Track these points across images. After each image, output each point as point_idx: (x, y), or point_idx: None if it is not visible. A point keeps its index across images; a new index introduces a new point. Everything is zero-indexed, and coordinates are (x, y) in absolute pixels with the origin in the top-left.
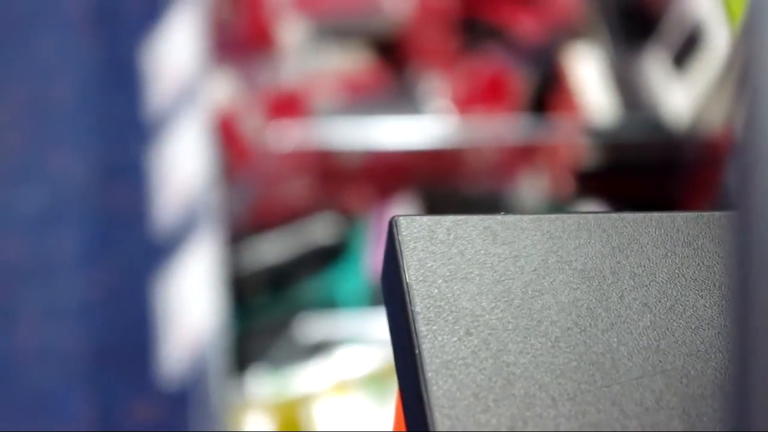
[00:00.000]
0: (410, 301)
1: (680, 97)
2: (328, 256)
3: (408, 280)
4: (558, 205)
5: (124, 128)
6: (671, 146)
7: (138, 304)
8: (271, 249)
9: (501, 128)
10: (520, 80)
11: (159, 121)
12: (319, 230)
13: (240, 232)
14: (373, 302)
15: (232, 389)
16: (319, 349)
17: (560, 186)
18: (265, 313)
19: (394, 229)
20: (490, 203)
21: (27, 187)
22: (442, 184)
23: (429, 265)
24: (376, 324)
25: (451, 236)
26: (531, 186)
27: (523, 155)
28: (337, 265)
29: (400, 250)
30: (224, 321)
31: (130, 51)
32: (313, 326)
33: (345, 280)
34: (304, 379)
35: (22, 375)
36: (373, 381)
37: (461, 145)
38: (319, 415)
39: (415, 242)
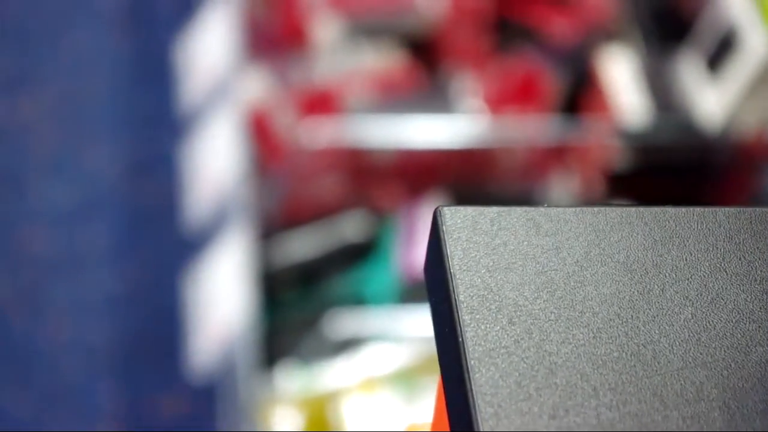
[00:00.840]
0: (454, 291)
1: (713, 99)
2: (358, 253)
3: (452, 270)
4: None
5: (157, 124)
6: (703, 149)
7: (168, 298)
8: (302, 245)
9: (533, 129)
10: (553, 81)
11: (192, 117)
12: (350, 227)
13: (271, 228)
14: (402, 299)
15: (260, 384)
16: (347, 345)
17: (591, 187)
18: (295, 309)
19: (439, 220)
20: (520, 203)
21: (59, 181)
22: (472, 183)
23: (473, 255)
24: (405, 321)
25: (495, 227)
26: (562, 187)
27: (555, 156)
28: (367, 263)
29: (445, 240)
30: (254, 316)
31: (164, 47)
32: (342, 323)
33: (374, 278)
34: (333, 375)
35: (50, 367)
36: (400, 378)
37: (493, 145)
38: (346, 411)
39: (459, 232)
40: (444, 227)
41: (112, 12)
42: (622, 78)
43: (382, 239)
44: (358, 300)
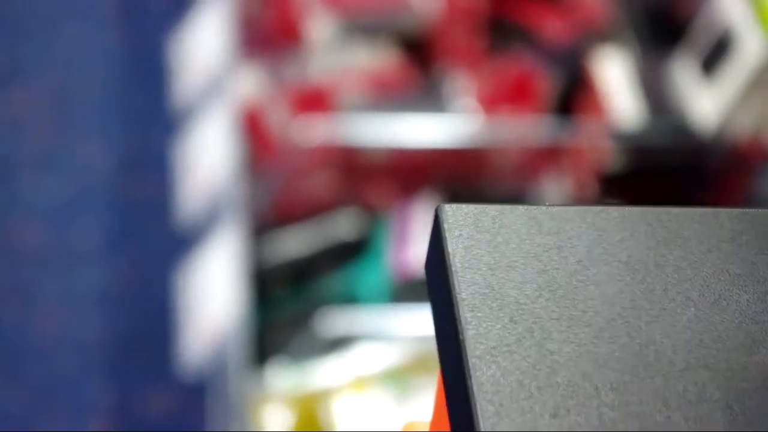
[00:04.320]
0: (455, 288)
1: (708, 102)
2: (350, 252)
3: (453, 268)
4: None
5: (150, 120)
6: (697, 151)
7: (159, 294)
8: (294, 243)
9: (526, 129)
10: (547, 81)
11: (185, 113)
12: (342, 225)
13: (263, 225)
14: (394, 298)
15: (251, 382)
16: (339, 343)
17: (584, 188)
18: (286, 307)
19: (440, 217)
20: (513, 203)
21: (52, 176)
22: (465, 183)
23: (474, 252)
24: (397, 320)
25: (496, 225)
26: (555, 187)
27: (548, 157)
28: (359, 261)
29: (446, 238)
30: (245, 313)
31: (158, 43)
32: (333, 321)
33: (366, 276)
34: (324, 373)
35: (40, 361)
36: (391, 377)
37: (486, 145)
38: (337, 410)
39: (460, 230)
40: (445, 225)
41: (105, 6)
42: (616, 79)
43: (374, 238)
44: (349, 298)
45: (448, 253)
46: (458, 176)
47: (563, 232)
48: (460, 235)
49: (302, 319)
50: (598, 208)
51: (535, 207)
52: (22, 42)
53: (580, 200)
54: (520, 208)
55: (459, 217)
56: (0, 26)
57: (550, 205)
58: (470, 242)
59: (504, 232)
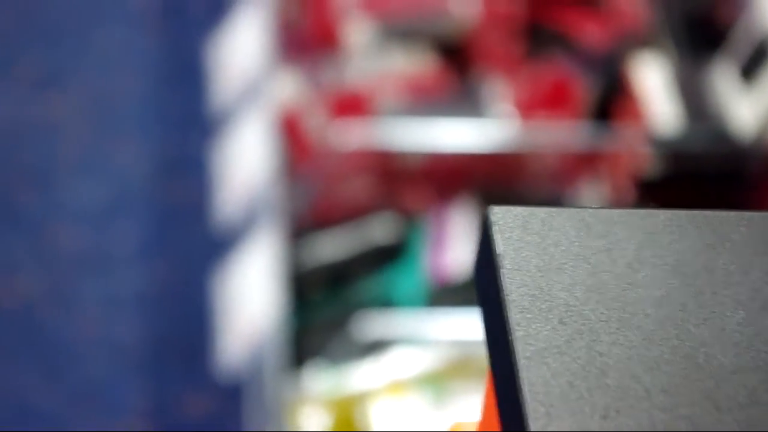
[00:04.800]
0: (505, 290)
1: (746, 107)
2: (387, 256)
3: (503, 269)
4: None
5: (187, 123)
6: (735, 157)
7: (197, 297)
8: (331, 246)
9: (563, 134)
10: (584, 87)
11: (223, 116)
12: (379, 229)
13: (300, 229)
14: (431, 302)
15: (288, 385)
16: (375, 347)
17: (621, 194)
18: (323, 310)
19: (490, 219)
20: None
21: (90, 179)
22: (502, 187)
23: (524, 254)
24: (433, 324)
25: (546, 227)
26: (592, 193)
27: (585, 162)
28: (396, 265)
29: (496, 240)
30: (282, 316)
31: (196, 46)
32: (370, 324)
33: (403, 280)
34: (361, 376)
35: (79, 363)
36: (428, 381)
37: (522, 150)
38: (374, 413)
39: (510, 232)
40: (495, 226)
41: (144, 10)
42: (654, 84)
43: (411, 241)
44: (386, 302)
45: (497, 255)
46: (495, 181)
47: (612, 234)
48: (510, 237)
49: (339, 323)
50: (647, 211)
51: (583, 209)
52: (61, 45)
53: (618, 206)
54: (569, 211)
55: (508, 219)
56: (38, 30)
57: (598, 208)
58: (520, 244)
59: (553, 235)
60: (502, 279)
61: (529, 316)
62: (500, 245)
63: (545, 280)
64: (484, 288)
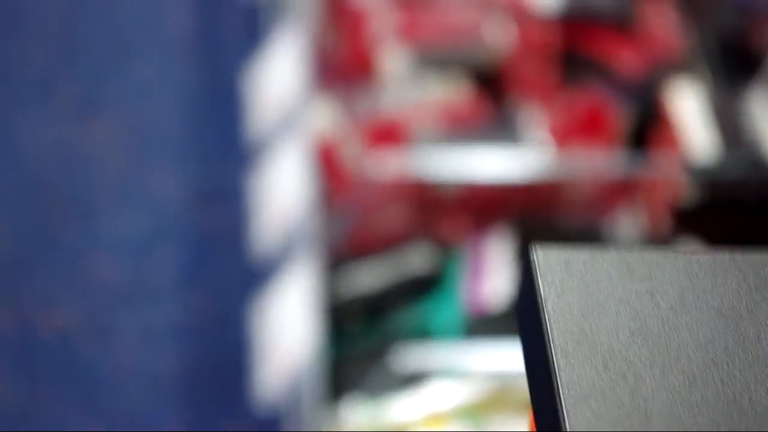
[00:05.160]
0: (548, 333)
1: None
2: (424, 286)
3: (546, 313)
4: (655, 242)
5: (224, 152)
6: None
7: (234, 328)
8: (368, 277)
9: (599, 162)
10: (620, 114)
11: (259, 145)
12: (416, 260)
13: (337, 259)
14: (468, 333)
15: (325, 416)
16: (413, 379)
17: (658, 223)
18: (361, 341)
19: (533, 260)
20: (586, 238)
21: (126, 209)
22: (538, 216)
23: (566, 298)
24: (471, 355)
25: (588, 270)
26: (628, 222)
27: (621, 190)
28: (433, 295)
29: (538, 282)
30: (320, 348)
31: (231, 75)
32: (407, 356)
33: (440, 311)
34: (398, 408)
35: (116, 394)
36: (466, 413)
37: (559, 178)
38: None
39: (552, 274)
40: (538, 270)
41: (180, 39)
42: (690, 112)
43: (447, 272)
44: (423, 333)
45: (540, 298)
46: (531, 210)
47: (654, 277)
48: (553, 280)
49: (377, 354)
50: (689, 254)
51: (625, 251)
52: (98, 75)
53: (654, 235)
54: (611, 253)
55: (551, 261)
56: (76, 59)
57: (640, 250)
58: (562, 287)
59: (595, 277)
60: (545, 322)
61: (572, 360)
62: (543, 288)
63: (588, 324)
64: (526, 328)
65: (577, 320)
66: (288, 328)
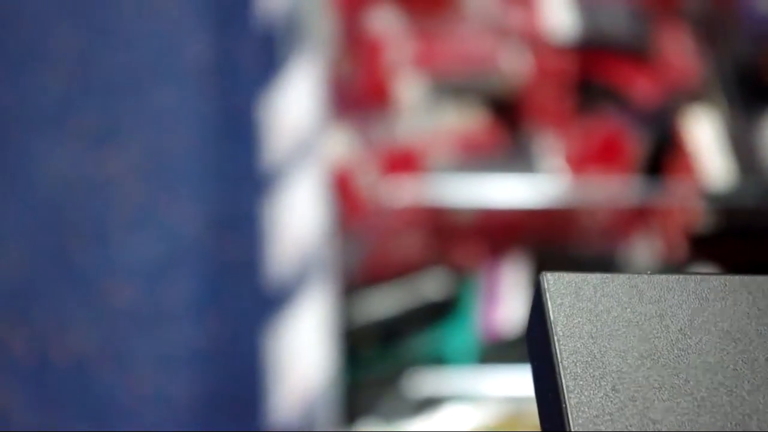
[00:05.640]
0: (558, 356)
1: None
2: (439, 312)
3: (556, 336)
4: (671, 269)
5: (240, 179)
6: None
7: (249, 353)
8: (383, 303)
9: (615, 189)
10: (636, 142)
11: (275, 173)
12: (430, 286)
13: (352, 285)
14: (482, 359)
15: None
16: (427, 404)
17: (674, 250)
18: (375, 367)
19: (543, 285)
20: (602, 264)
21: (143, 235)
22: (554, 243)
23: (576, 321)
24: (485, 381)
25: (598, 294)
26: (644, 249)
27: (637, 217)
28: (447, 321)
29: (548, 306)
30: (334, 373)
31: (248, 103)
32: (422, 381)
33: (455, 336)
34: None
35: (131, 419)
36: None
37: (574, 205)
38: None
39: (562, 299)
40: (548, 294)
41: (197, 68)
42: (705, 139)
43: (462, 298)
44: (438, 358)
45: (550, 321)
46: (546, 237)
47: (664, 300)
48: (562, 303)
49: (391, 379)
50: (699, 277)
51: (636, 276)
52: (115, 104)
53: (670, 262)
54: (621, 277)
55: (561, 285)
56: (93, 88)
57: (650, 274)
58: (572, 311)
59: (605, 301)
60: (554, 345)
61: (581, 383)
62: (553, 312)
63: (598, 347)
64: (536, 353)
65: (587, 343)
66: (303, 353)
